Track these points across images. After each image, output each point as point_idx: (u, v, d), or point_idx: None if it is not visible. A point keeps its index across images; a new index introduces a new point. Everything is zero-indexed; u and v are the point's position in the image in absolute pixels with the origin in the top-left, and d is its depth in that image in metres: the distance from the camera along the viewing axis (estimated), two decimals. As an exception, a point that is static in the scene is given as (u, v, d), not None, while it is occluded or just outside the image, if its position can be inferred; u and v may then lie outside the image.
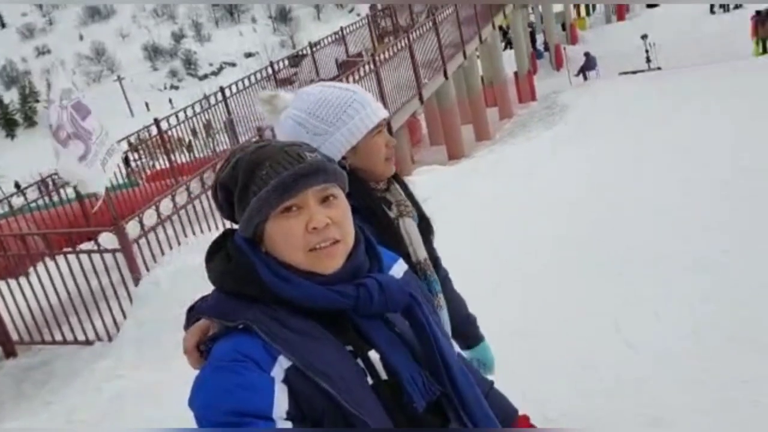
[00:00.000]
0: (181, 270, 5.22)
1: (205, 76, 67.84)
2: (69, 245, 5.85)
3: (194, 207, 6.23)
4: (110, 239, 5.52)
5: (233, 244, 1.06)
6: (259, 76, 12.24)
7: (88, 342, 5.34)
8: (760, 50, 20.26)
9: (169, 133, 9.96)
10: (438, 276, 1.65)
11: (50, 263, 5.53)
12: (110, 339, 5.27)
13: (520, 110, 19.41)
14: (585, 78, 22.56)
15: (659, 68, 21.21)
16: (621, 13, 35.89)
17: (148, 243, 5.51)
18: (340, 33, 15.68)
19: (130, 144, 9.76)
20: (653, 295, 3.83)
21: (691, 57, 20.63)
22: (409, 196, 1.61)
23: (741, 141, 7.00)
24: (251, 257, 1.03)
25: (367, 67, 10.20)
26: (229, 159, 1.08)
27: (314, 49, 14.92)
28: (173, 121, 9.89)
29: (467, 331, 1.83)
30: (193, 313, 1.10)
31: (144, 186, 9.19)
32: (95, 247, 5.28)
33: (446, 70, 13.57)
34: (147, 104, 48.88)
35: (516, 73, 22.20)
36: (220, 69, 68.89)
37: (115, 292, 5.40)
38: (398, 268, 1.21)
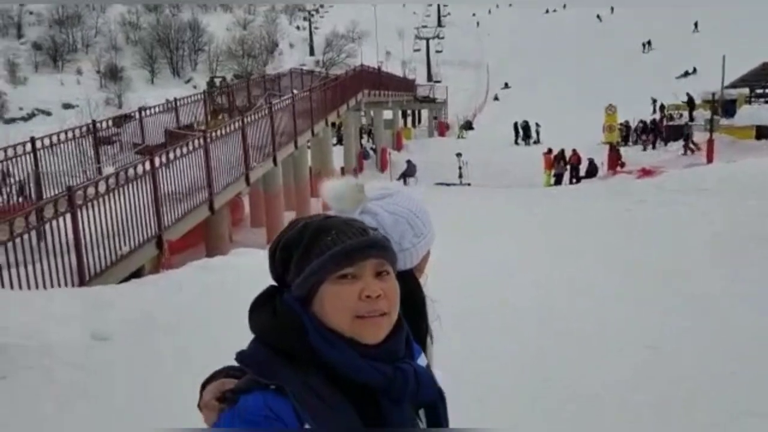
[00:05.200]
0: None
1: (13, 120, 62.02)
2: None
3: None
4: None
5: (283, 301, 1.08)
6: (78, 132, 11.63)
7: None
8: (551, 182, 23.38)
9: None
10: None
11: None
12: None
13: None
14: (405, 183, 24.24)
15: (469, 184, 23.51)
16: (442, 130, 39.58)
17: None
18: (173, 102, 15.51)
19: None
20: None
21: (496, 178, 23.25)
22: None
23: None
24: (302, 317, 1.05)
25: (197, 141, 10.18)
26: (295, 223, 1.12)
27: (144, 113, 14.56)
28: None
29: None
30: (224, 368, 1.12)
31: None
32: None
33: (276, 156, 13.91)
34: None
35: (342, 168, 23.26)
36: (32, 115, 63.53)
37: None
38: (422, 360, 1.23)
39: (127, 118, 14.76)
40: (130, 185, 8.05)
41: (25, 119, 63.67)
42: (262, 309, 1.09)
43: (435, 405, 1.14)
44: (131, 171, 8.11)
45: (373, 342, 1.05)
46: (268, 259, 1.14)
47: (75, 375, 4.17)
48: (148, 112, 14.84)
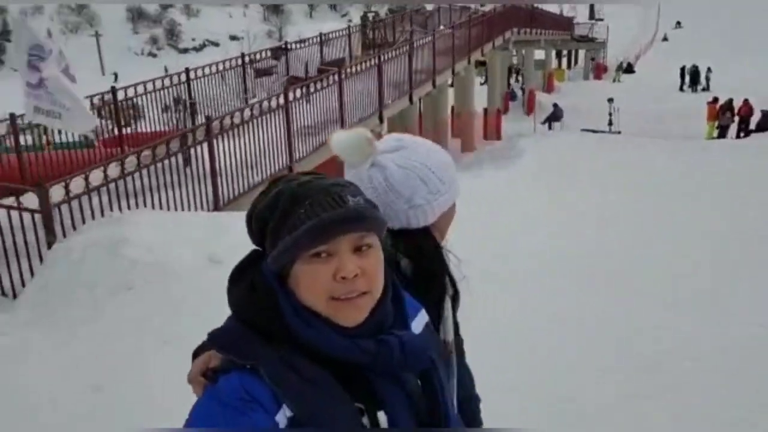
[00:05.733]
0: (95, 243, 5.29)
1: (186, 50, 66.96)
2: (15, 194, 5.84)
3: (126, 181, 6.28)
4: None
5: (260, 275, 1.01)
6: (229, 64, 12.31)
7: (-8, 294, 5.37)
8: (714, 135, 21.28)
9: (128, 102, 10.02)
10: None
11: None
12: (15, 296, 5.31)
13: (483, 146, 19.91)
14: (550, 127, 23.24)
15: (619, 132, 22.05)
16: (599, 73, 37.10)
17: (70, 209, 5.56)
18: (325, 36, 15.85)
19: (92, 104, 9.72)
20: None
21: (651, 127, 21.55)
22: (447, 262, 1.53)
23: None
24: (277, 294, 0.99)
25: (331, 77, 10.41)
26: (269, 188, 1.05)
27: (298, 45, 15.08)
28: (131, 92, 9.92)
29: (465, 414, 1.62)
30: (205, 342, 1.05)
31: (99, 149, 9.23)
32: (15, 204, 5.32)
33: (412, 95, 13.88)
34: (116, 75, 48.01)
35: (485, 110, 22.74)
36: (203, 46, 68.03)
37: (28, 252, 5.43)
38: (420, 320, 1.16)
39: (282, 50, 15.32)
40: (265, 118, 8.48)
41: (196, 50, 68.42)
42: (241, 281, 1.03)
43: (428, 373, 1.07)
44: (265, 104, 8.52)
45: (352, 324, 0.99)
46: (246, 225, 1.07)
47: (187, 293, 4.58)
48: (303, 44, 15.31)
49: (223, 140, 7.70)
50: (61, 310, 4.56)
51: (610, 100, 23.64)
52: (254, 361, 0.95)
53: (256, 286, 1.01)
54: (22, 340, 4.25)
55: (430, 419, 1.06)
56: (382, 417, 1.00)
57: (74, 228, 5.59)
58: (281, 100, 8.85)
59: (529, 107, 26.92)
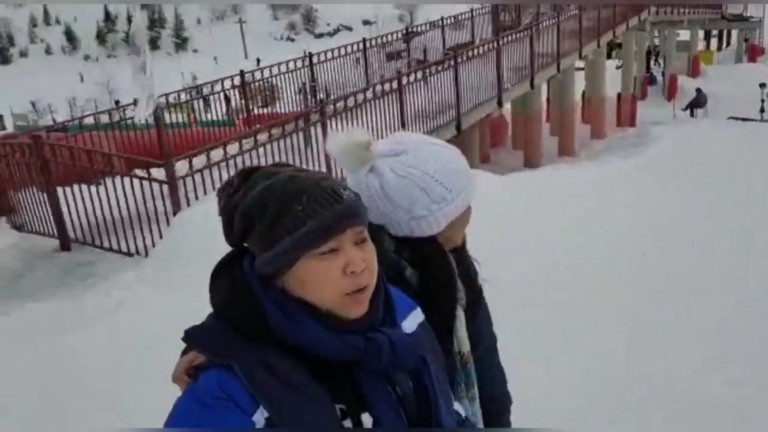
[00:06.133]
0: (213, 212, 5.80)
1: (321, 35, 69.49)
2: (136, 167, 6.58)
3: (244, 158, 6.79)
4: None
5: (242, 274, 0.99)
6: (350, 48, 12.70)
7: (128, 253, 6.10)
8: None
9: (256, 84, 10.79)
10: (481, 348, 1.51)
11: (116, 180, 6.26)
12: (146, 254, 5.98)
13: (615, 133, 19.02)
14: (692, 114, 21.75)
15: (773, 121, 20.18)
16: (753, 55, 33.89)
17: (194, 181, 6.14)
18: (453, 19, 15.83)
19: (234, 86, 10.55)
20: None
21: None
22: (466, 268, 1.43)
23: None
24: (261, 296, 0.96)
25: (450, 61, 10.47)
26: (244, 181, 0.99)
27: (424, 29, 15.26)
28: (258, 75, 10.65)
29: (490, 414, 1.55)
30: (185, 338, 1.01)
31: (238, 127, 10.09)
32: (146, 175, 5.98)
33: (533, 79, 13.59)
34: (258, 60, 50.75)
35: (619, 95, 21.69)
36: (337, 31, 70.33)
37: (157, 218, 6.09)
38: (413, 319, 1.13)
39: (411, 34, 15.56)
40: (380, 101, 8.75)
41: (330, 34, 70.76)
42: (223, 277, 1.00)
43: (418, 371, 1.04)
44: (378, 88, 8.78)
45: (358, 316, 0.98)
46: (223, 223, 1.01)
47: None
48: (431, 26, 15.45)
49: (338, 122, 8.06)
50: (179, 271, 5.08)
51: (762, 85, 21.64)
52: (229, 359, 0.93)
53: (237, 284, 0.98)
54: (145, 294, 4.82)
55: (419, 420, 1.03)
56: (366, 419, 0.97)
57: (197, 198, 6.17)
58: (395, 85, 9.06)
59: (670, 92, 25.24)
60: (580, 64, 21.36)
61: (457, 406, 1.26)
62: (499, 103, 12.37)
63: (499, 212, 5.98)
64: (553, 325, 4.01)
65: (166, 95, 9.59)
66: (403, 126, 9.25)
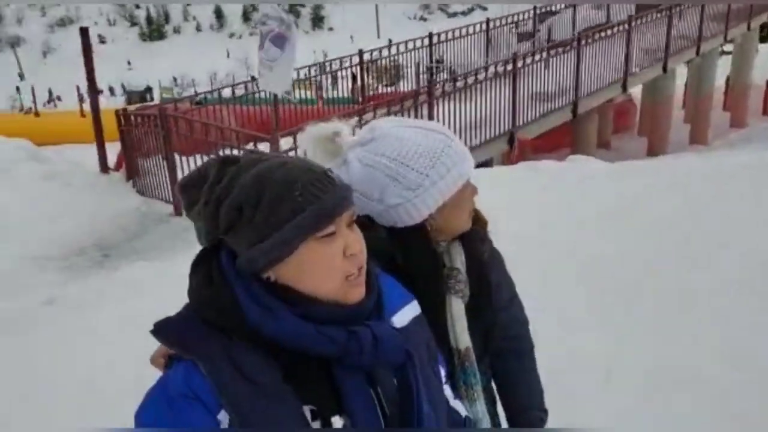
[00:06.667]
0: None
1: (455, 14, 68.87)
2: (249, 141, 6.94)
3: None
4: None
5: (218, 268, 0.94)
6: (473, 29, 12.51)
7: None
8: None
9: (381, 63, 10.95)
10: (505, 347, 1.44)
11: (228, 152, 6.66)
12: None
13: (759, 123, 17.38)
14: None
15: None
16: None
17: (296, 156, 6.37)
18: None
19: (354, 65, 10.82)
20: None
21: None
22: (474, 258, 1.34)
23: None
24: (238, 290, 0.92)
25: (572, 43, 10.02)
26: (221, 173, 0.94)
27: (559, 8, 14.74)
28: (376, 54, 10.78)
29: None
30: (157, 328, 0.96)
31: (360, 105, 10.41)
32: (253, 148, 6.27)
33: (666, 63, 12.67)
34: (390, 41, 51.33)
35: (768, 82, 19.73)
36: (471, 10, 69.41)
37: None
38: (407, 312, 1.08)
39: (547, 13, 15.11)
40: (494, 81, 8.59)
41: (464, 14, 69.91)
42: (200, 271, 0.96)
43: (403, 368, 0.98)
44: (491, 70, 8.60)
45: (359, 300, 0.96)
46: (204, 219, 0.94)
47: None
48: (557, 7, 14.90)
49: (450, 101, 8.01)
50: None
51: None
52: (193, 355, 0.89)
53: (213, 279, 0.94)
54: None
55: (401, 420, 0.97)
56: (337, 421, 0.92)
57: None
58: (509, 66, 8.83)
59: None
60: (729, 47, 19.65)
61: (456, 404, 1.20)
62: (624, 88, 11.68)
63: (593, 198, 5.70)
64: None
65: (297, 70, 9.95)
66: (513, 109, 9.01)
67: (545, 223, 5.15)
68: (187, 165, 6.81)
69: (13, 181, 7.12)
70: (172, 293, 0.86)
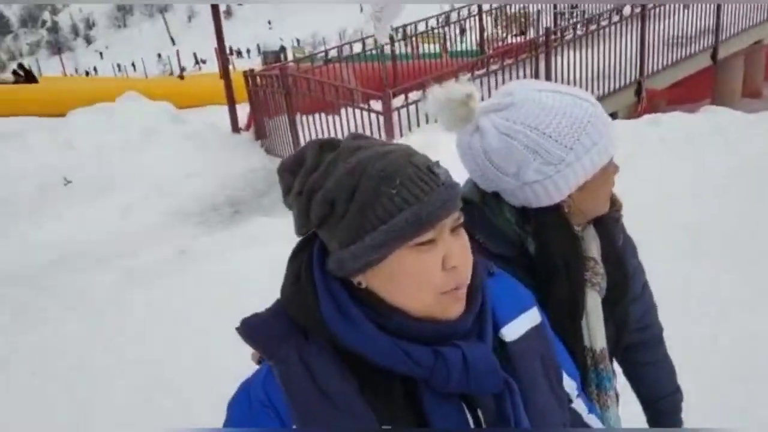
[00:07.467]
0: (428, 143, 6.08)
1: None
2: (366, 99, 7.14)
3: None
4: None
5: (308, 265, 0.87)
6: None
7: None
8: None
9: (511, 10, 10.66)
10: (644, 340, 1.36)
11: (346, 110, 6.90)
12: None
13: None
14: None
15: None
16: None
17: (408, 113, 6.48)
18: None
19: (472, 14, 10.67)
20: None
21: None
22: (610, 246, 1.20)
23: None
24: (319, 291, 0.85)
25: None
26: (318, 158, 0.85)
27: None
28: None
29: (659, 413, 1.40)
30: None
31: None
32: (366, 107, 6.47)
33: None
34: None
35: None
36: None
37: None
38: (523, 322, 0.95)
39: None
40: (615, 27, 8.11)
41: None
42: (294, 264, 0.90)
43: (500, 397, 0.87)
44: (615, 15, 8.11)
45: (457, 316, 0.85)
46: (297, 208, 0.87)
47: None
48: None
49: (571, 50, 7.69)
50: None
51: None
52: (271, 359, 0.85)
53: (300, 277, 0.87)
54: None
55: None
56: None
57: (410, 129, 6.52)
58: (637, 9, 8.27)
59: None
60: None
61: (591, 418, 1.08)
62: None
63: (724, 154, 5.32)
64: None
65: (415, 24, 9.93)
66: (641, 56, 8.47)
67: (663, 183, 4.93)
68: (308, 124, 7.15)
69: (158, 142, 7.83)
70: (286, 251, 0.88)
